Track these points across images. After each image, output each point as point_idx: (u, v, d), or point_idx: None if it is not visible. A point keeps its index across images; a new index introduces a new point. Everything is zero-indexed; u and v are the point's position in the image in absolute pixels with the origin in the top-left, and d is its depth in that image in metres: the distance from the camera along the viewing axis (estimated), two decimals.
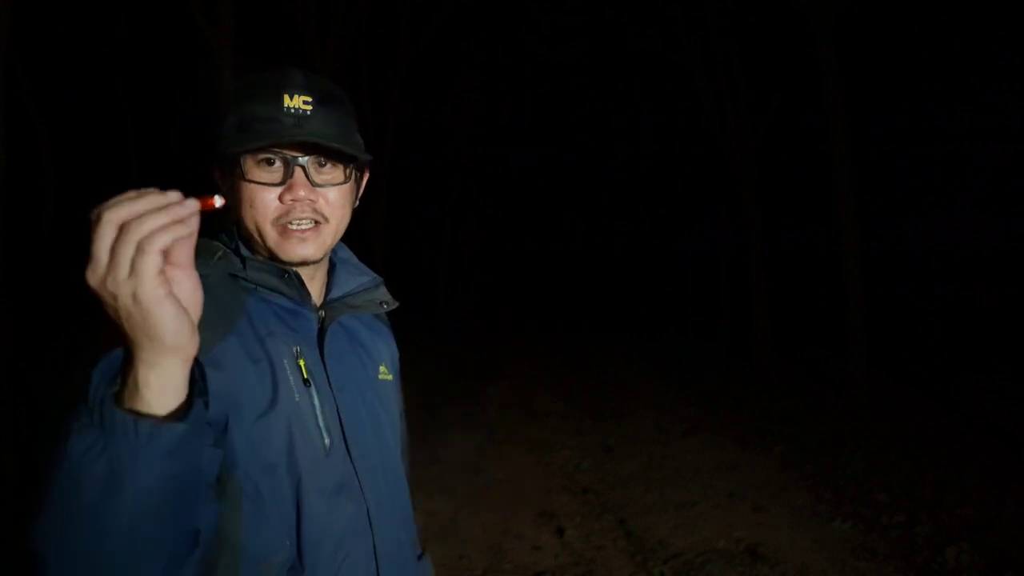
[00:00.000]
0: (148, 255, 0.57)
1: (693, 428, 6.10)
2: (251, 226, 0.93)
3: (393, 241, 12.57)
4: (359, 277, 1.11)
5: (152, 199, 0.59)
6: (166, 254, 0.59)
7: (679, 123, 12.99)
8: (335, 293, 1.06)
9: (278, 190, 0.93)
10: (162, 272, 0.59)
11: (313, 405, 0.94)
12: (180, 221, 0.59)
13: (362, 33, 10.61)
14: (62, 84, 12.14)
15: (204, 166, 1.02)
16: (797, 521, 4.01)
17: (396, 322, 1.26)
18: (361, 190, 1.06)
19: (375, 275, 1.14)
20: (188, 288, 0.63)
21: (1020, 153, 10.47)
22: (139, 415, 0.62)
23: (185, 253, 0.62)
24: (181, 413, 0.66)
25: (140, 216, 0.58)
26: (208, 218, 0.65)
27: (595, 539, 3.85)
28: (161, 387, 0.64)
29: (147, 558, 0.64)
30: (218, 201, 0.64)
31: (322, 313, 1.03)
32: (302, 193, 0.92)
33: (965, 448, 5.22)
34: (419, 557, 1.16)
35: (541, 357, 10.57)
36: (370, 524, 0.98)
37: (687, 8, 9.21)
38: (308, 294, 0.99)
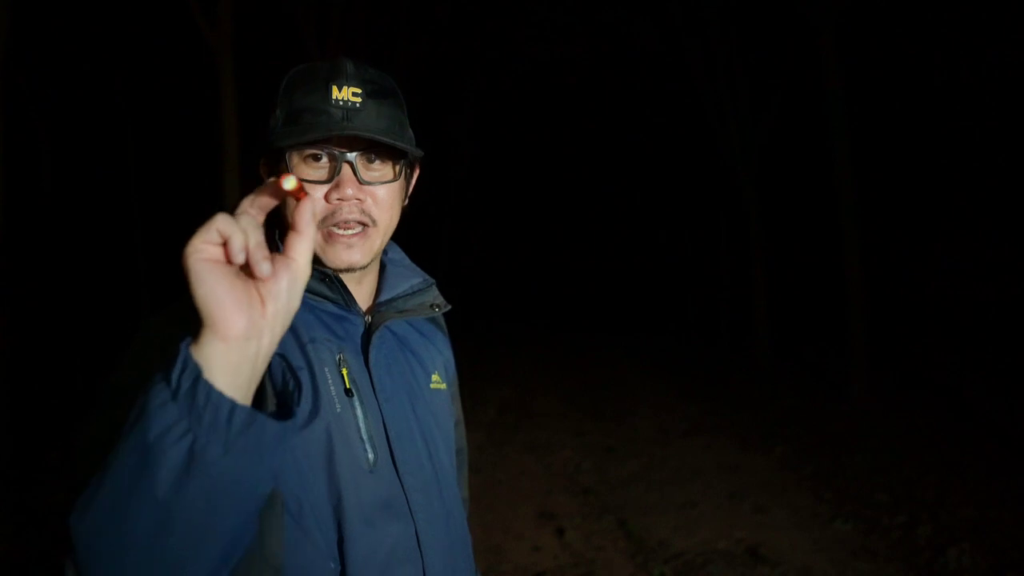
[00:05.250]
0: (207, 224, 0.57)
1: (693, 428, 6.09)
2: None
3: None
4: (410, 279, 1.05)
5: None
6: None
7: (679, 123, 12.99)
8: (384, 296, 1.00)
9: (324, 188, 0.87)
10: (220, 246, 0.56)
11: (356, 416, 0.88)
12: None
13: (362, 33, 10.61)
14: (61, 84, 12.13)
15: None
16: (798, 522, 4.00)
17: None
18: (411, 188, 1.01)
19: (427, 276, 1.08)
20: (265, 271, 0.58)
21: (1021, 153, 10.48)
22: (235, 403, 0.56)
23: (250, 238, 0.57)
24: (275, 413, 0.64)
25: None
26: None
27: (595, 540, 3.85)
28: (209, 368, 0.56)
29: (203, 556, 0.58)
30: (287, 183, 0.58)
31: (369, 318, 0.97)
32: (350, 192, 0.87)
33: (966, 448, 5.21)
34: None
35: (541, 357, 10.57)
36: (419, 546, 0.91)
37: (687, 8, 9.20)
38: (353, 299, 0.94)
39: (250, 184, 0.69)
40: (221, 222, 0.55)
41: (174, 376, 0.55)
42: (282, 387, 0.77)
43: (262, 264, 0.56)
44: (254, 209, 0.60)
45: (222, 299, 0.55)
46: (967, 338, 9.49)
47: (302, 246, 0.61)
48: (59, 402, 6.50)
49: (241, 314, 0.56)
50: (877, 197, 11.36)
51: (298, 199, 0.60)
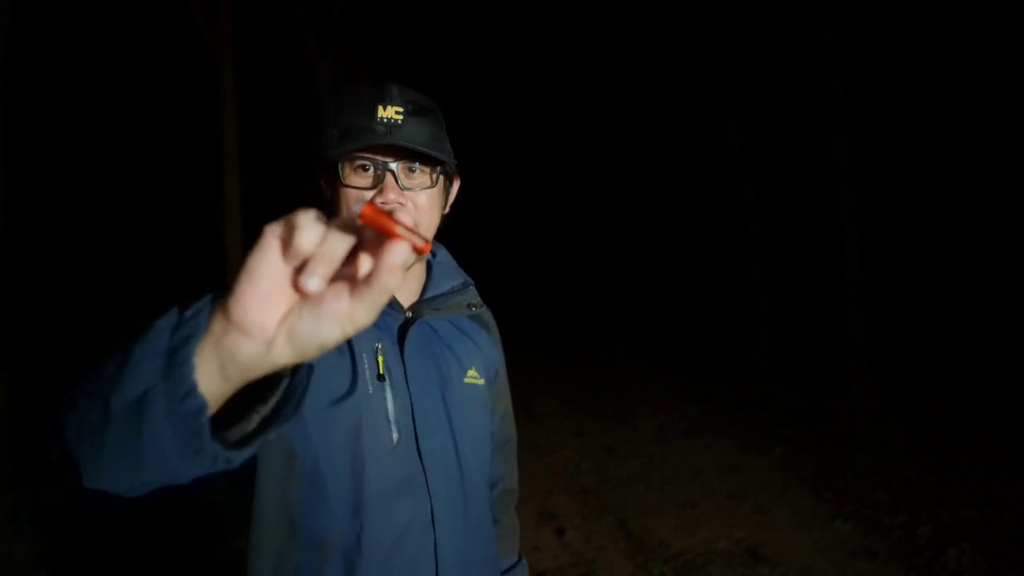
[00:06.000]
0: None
1: (693, 428, 6.09)
2: None
3: None
4: (453, 280, 1.16)
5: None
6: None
7: (679, 123, 12.99)
8: (428, 294, 1.11)
9: (370, 194, 0.99)
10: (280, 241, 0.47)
11: (385, 399, 0.99)
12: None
13: (362, 33, 10.61)
14: (61, 84, 12.12)
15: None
16: (798, 522, 4.00)
17: None
18: (451, 197, 1.12)
19: (467, 278, 1.19)
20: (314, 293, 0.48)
21: (1021, 153, 10.47)
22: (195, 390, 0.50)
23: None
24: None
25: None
26: None
27: (595, 540, 3.85)
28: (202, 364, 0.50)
29: (131, 466, 0.55)
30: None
31: (410, 313, 1.08)
32: (392, 196, 0.98)
33: (966, 448, 5.21)
34: (510, 568, 1.21)
35: (541, 357, 10.57)
36: (433, 525, 1.00)
37: (687, 8, 9.19)
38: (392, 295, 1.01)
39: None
40: (304, 214, 0.46)
41: (184, 316, 0.52)
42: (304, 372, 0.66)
43: (310, 278, 0.45)
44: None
45: (256, 278, 0.47)
46: (967, 338, 9.48)
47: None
48: (59, 402, 6.48)
49: (257, 306, 0.47)
50: (877, 197, 11.36)
51: (391, 235, 0.45)
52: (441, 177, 1.05)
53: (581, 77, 13.51)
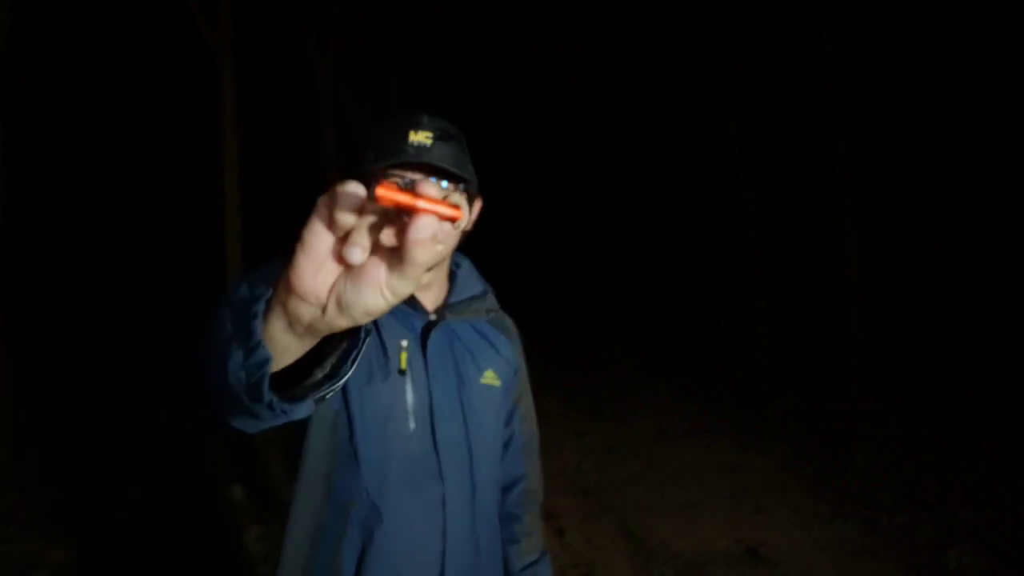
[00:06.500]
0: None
1: (693, 428, 6.09)
2: None
3: None
4: (473, 287, 1.30)
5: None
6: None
7: (679, 123, 12.99)
8: (451, 300, 1.24)
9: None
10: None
11: (405, 392, 1.12)
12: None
13: (362, 33, 10.61)
14: (61, 84, 12.12)
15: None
16: (798, 522, 4.00)
17: None
18: (474, 216, 1.24)
19: (486, 286, 1.33)
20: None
21: (1021, 153, 10.47)
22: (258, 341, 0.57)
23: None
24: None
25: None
26: None
27: (595, 540, 3.85)
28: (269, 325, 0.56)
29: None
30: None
31: (433, 316, 1.20)
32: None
33: (966, 448, 5.21)
34: (531, 564, 1.31)
35: (541, 357, 10.56)
36: (444, 508, 1.13)
37: (687, 8, 9.19)
38: (415, 298, 1.18)
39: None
40: (342, 186, 0.47)
41: (255, 278, 0.61)
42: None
43: (351, 250, 0.46)
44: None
45: (308, 249, 0.49)
46: (967, 338, 9.48)
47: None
48: (59, 402, 6.49)
49: (310, 275, 0.49)
50: (877, 197, 11.35)
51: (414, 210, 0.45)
52: (465, 195, 1.18)
53: (581, 77, 13.50)
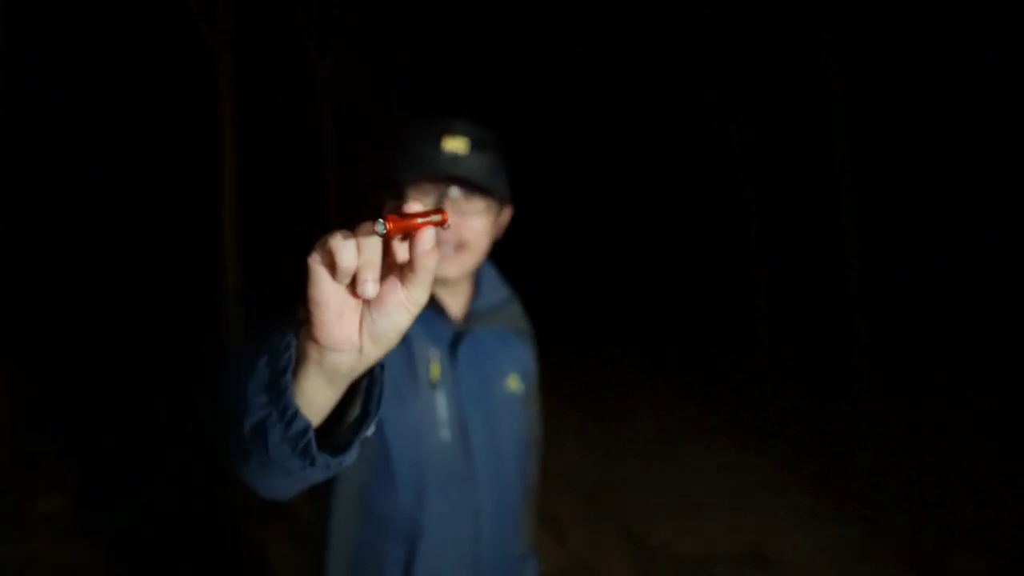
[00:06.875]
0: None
1: (694, 429, 6.09)
2: None
3: None
4: (499, 294, 1.31)
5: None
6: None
7: (679, 123, 12.98)
8: (476, 307, 1.24)
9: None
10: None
11: (436, 404, 1.12)
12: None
13: (362, 33, 10.60)
14: (61, 84, 12.12)
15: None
16: (799, 522, 4.00)
17: None
18: (504, 225, 1.24)
19: (511, 293, 1.34)
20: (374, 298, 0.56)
21: (1021, 153, 10.47)
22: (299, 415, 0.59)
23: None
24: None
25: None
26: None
27: (596, 542, 3.84)
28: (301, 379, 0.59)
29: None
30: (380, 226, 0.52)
31: (461, 325, 1.20)
32: (450, 220, 1.07)
33: (968, 449, 5.21)
34: (519, 558, 1.33)
35: (541, 357, 10.56)
36: (477, 511, 1.15)
37: (687, 8, 9.19)
38: (442, 307, 1.18)
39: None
40: (333, 238, 0.52)
41: (275, 349, 0.60)
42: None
43: (365, 287, 0.51)
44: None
45: (324, 306, 0.54)
46: (967, 338, 9.48)
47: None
48: (59, 402, 6.48)
49: (337, 327, 0.54)
50: (877, 197, 11.35)
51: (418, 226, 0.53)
52: (496, 205, 1.17)
53: (581, 77, 13.50)
